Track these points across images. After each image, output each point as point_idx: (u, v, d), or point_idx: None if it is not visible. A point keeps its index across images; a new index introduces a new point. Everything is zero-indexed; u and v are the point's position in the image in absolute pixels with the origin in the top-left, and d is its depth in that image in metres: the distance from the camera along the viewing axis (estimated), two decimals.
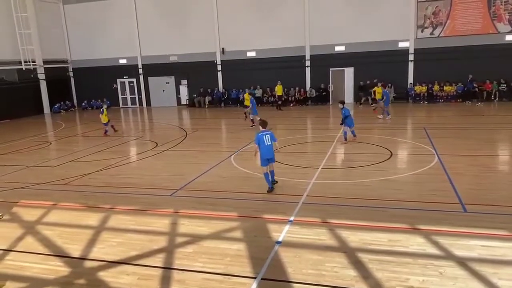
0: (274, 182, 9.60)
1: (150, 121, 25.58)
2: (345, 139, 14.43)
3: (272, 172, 9.60)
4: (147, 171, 12.25)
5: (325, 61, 27.03)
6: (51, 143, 18.24)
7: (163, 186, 10.45)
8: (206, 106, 29.58)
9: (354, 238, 6.80)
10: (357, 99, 27.06)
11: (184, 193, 9.78)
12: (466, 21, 24.40)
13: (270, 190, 9.37)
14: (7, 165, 13.81)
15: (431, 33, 25.19)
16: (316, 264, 6.02)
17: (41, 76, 30.12)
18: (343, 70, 27.29)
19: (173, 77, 30.98)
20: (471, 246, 6.36)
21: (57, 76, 31.64)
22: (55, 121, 26.18)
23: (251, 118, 19.27)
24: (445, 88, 25.24)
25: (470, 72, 24.16)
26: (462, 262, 5.84)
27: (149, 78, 31.51)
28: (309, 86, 27.92)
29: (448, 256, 6.08)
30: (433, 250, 6.27)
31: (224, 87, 29.83)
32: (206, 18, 28.74)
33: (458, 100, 24.65)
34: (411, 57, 25.69)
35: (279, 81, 25.88)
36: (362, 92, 26.60)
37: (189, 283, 5.75)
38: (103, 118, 18.40)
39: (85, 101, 32.42)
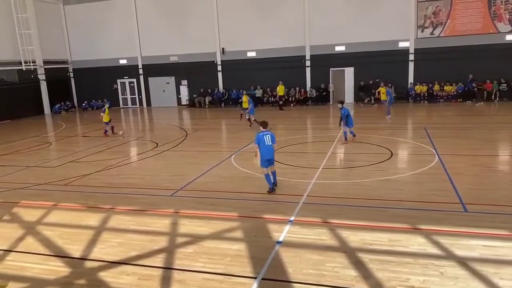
0: (274, 184, 9.52)
1: (151, 121, 25.59)
2: (346, 139, 14.43)
3: (273, 173, 9.50)
4: (148, 171, 12.25)
5: (325, 61, 27.04)
6: (51, 144, 18.25)
7: (163, 186, 10.44)
8: (207, 106, 29.59)
9: (354, 238, 6.79)
10: (357, 99, 27.08)
11: (185, 193, 9.77)
12: (466, 21, 24.40)
13: (271, 190, 9.32)
14: (7, 165, 13.81)
15: (431, 33, 25.19)
16: (317, 264, 6.01)
17: (41, 76, 30.14)
18: (343, 70, 27.29)
19: (173, 77, 31.00)
20: (472, 246, 6.35)
21: (58, 77, 31.66)
22: (55, 122, 26.20)
23: (247, 117, 19.22)
24: (445, 88, 25.24)
25: (471, 72, 24.16)
26: (463, 262, 5.83)
27: (149, 79, 31.53)
28: (309, 86, 27.92)
29: (449, 256, 6.07)
30: (433, 250, 6.27)
31: (224, 87, 29.83)
32: (206, 18, 28.75)
33: (459, 100, 24.65)
34: (411, 57, 25.70)
35: (280, 81, 25.85)
36: (362, 92, 26.62)
37: (190, 283, 5.74)
38: (105, 117, 18.37)
39: (86, 102, 32.44)
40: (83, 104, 32.45)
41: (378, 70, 25.39)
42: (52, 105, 30.82)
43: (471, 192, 8.82)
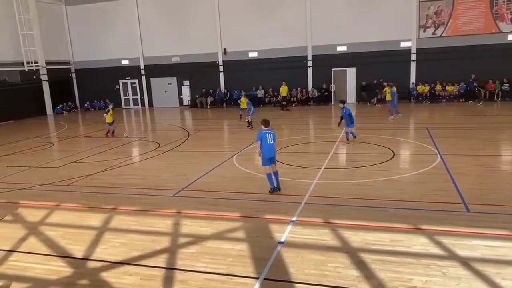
0: (278, 187, 9.36)
1: (153, 122, 25.62)
2: (347, 139, 14.42)
3: (276, 175, 9.38)
4: (150, 171, 12.27)
5: (327, 61, 27.03)
6: (53, 144, 18.29)
7: (165, 186, 10.45)
8: (208, 107, 29.61)
9: (356, 238, 6.79)
10: (359, 99, 27.06)
11: (187, 194, 9.78)
12: (468, 21, 24.36)
13: (272, 190, 9.29)
14: (10, 166, 13.85)
15: (433, 33, 25.16)
16: (319, 264, 6.01)
17: (44, 77, 30.22)
18: (345, 70, 27.28)
19: (175, 78, 31.04)
20: (474, 246, 6.34)
21: (60, 77, 31.76)
22: (57, 122, 26.27)
23: (247, 119, 19.13)
24: (447, 88, 25.19)
25: (473, 72, 24.12)
26: (465, 262, 5.82)
27: (151, 79, 31.59)
28: (311, 86, 27.92)
29: (451, 256, 6.06)
30: (436, 250, 6.26)
31: (226, 87, 29.85)
32: (208, 19, 28.79)
33: (461, 100, 24.60)
34: (413, 57, 25.67)
35: (284, 82, 25.84)
36: (364, 92, 26.59)
37: (192, 283, 5.75)
38: (108, 118, 18.35)
39: (88, 102, 32.52)
40: (85, 105, 32.52)
41: (380, 70, 25.37)
42: (54, 105, 30.90)
43: (473, 192, 8.80)
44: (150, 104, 32.09)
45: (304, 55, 27.48)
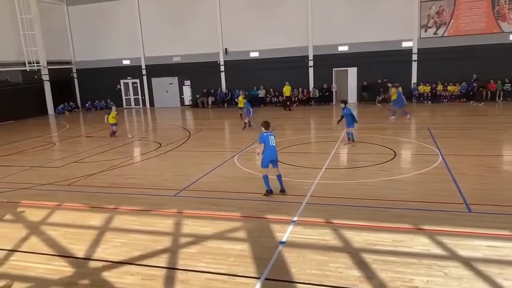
0: (282, 190, 9.24)
1: (154, 122, 25.62)
2: (349, 139, 14.40)
3: (279, 177, 9.25)
4: (151, 171, 12.28)
5: (328, 61, 27.02)
6: (55, 144, 18.31)
7: (166, 186, 10.46)
8: (209, 107, 29.61)
9: (358, 238, 6.78)
10: (360, 99, 27.04)
11: (188, 194, 9.78)
12: (470, 21, 24.32)
13: (267, 193, 9.11)
14: (11, 165, 13.87)
15: (435, 33, 25.13)
16: (320, 265, 6.00)
17: (45, 77, 30.27)
18: (347, 70, 27.26)
19: (176, 78, 31.05)
20: (476, 246, 6.32)
21: (61, 77, 31.79)
22: (59, 122, 26.30)
23: (245, 121, 19.05)
24: (448, 88, 25.16)
25: (474, 71, 24.09)
26: (467, 263, 5.81)
27: (153, 79, 31.61)
28: (312, 86, 27.90)
29: (452, 256, 6.05)
30: (437, 251, 6.25)
31: (227, 87, 29.85)
32: (209, 19, 28.79)
33: (462, 100, 24.57)
34: (414, 57, 25.64)
35: (287, 82, 25.84)
36: (365, 92, 26.57)
37: (193, 283, 5.75)
38: (110, 119, 18.33)
39: (89, 102, 32.56)
40: (87, 105, 32.56)
41: (382, 70, 25.35)
42: (55, 105, 30.95)
43: (475, 192, 8.79)
44: (151, 104, 32.11)
45: (305, 55, 27.46)
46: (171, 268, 6.18)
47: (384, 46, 25.47)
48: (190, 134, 18.77)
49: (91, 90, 32.63)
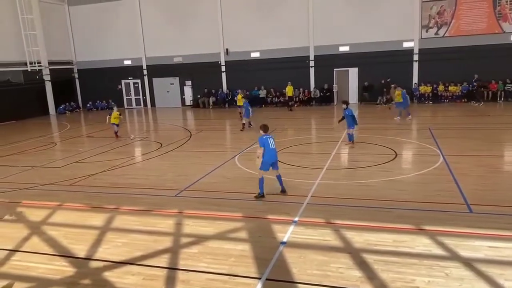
0: (283, 190, 9.24)
1: (155, 122, 25.65)
2: (349, 140, 14.38)
3: (279, 178, 9.24)
4: (152, 171, 12.29)
5: (329, 62, 27.01)
6: (56, 144, 18.34)
7: (167, 186, 10.47)
8: (210, 107, 29.63)
9: (359, 238, 6.78)
10: (361, 99, 27.03)
11: (189, 194, 9.79)
12: (471, 21, 24.29)
13: (259, 196, 9.02)
14: (13, 165, 13.89)
15: (436, 33, 25.10)
16: (321, 265, 6.00)
17: (47, 77, 30.31)
18: (348, 70, 27.24)
19: (177, 78, 31.06)
20: (477, 246, 6.32)
21: (62, 77, 31.83)
22: (60, 122, 26.33)
23: (243, 121, 18.93)
24: (450, 88, 25.13)
25: (476, 72, 24.07)
26: (468, 263, 5.80)
27: (154, 79, 31.64)
28: (313, 86, 27.89)
29: (454, 257, 6.04)
30: (438, 251, 6.24)
31: (228, 87, 29.85)
32: (210, 19, 28.80)
33: (463, 100, 24.54)
34: (415, 57, 25.62)
35: (289, 82, 25.84)
36: (366, 92, 26.55)
37: (194, 283, 5.75)
38: (112, 119, 18.32)
39: (90, 102, 32.60)
40: (88, 105, 32.60)
41: (383, 71, 25.34)
42: (57, 105, 30.98)
43: (476, 192, 8.78)
44: (152, 104, 32.13)
45: (306, 55, 27.45)
46: (172, 268, 6.18)
47: (385, 46, 25.45)
48: (191, 134, 18.77)
49: (92, 90, 32.67)
